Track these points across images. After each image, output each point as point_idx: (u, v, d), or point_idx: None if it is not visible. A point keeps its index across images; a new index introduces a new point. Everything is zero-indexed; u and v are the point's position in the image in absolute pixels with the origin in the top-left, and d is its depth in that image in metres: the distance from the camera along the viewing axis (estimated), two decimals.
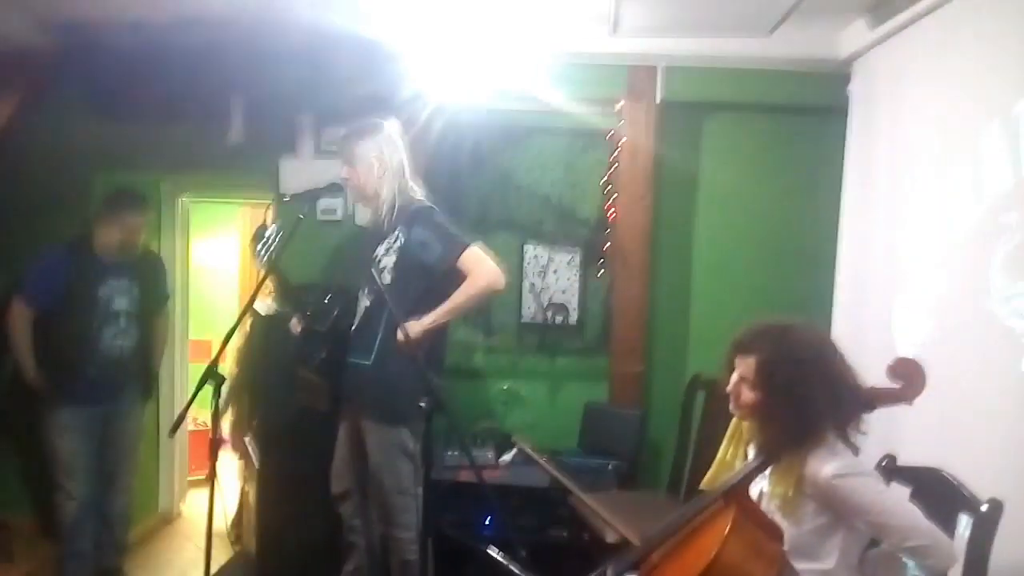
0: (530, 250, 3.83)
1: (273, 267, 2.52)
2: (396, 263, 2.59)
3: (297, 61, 3.62)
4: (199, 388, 2.49)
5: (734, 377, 1.81)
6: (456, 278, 2.64)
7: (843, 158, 3.45)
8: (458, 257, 2.57)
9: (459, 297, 2.56)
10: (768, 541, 1.70)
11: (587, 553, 3.17)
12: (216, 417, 2.62)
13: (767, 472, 1.80)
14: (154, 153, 3.79)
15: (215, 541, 3.10)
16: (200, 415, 5.15)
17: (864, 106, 3.33)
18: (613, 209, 3.78)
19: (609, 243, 3.79)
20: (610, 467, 3.52)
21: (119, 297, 3.28)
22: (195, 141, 3.73)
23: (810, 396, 1.70)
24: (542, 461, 2.09)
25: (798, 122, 3.70)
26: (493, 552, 2.06)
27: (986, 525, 1.77)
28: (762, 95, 3.67)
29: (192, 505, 4.71)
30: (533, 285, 3.85)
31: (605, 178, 3.78)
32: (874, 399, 1.75)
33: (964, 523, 1.82)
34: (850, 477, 1.68)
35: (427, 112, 3.49)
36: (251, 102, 3.68)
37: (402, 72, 3.51)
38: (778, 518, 1.75)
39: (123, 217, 3.27)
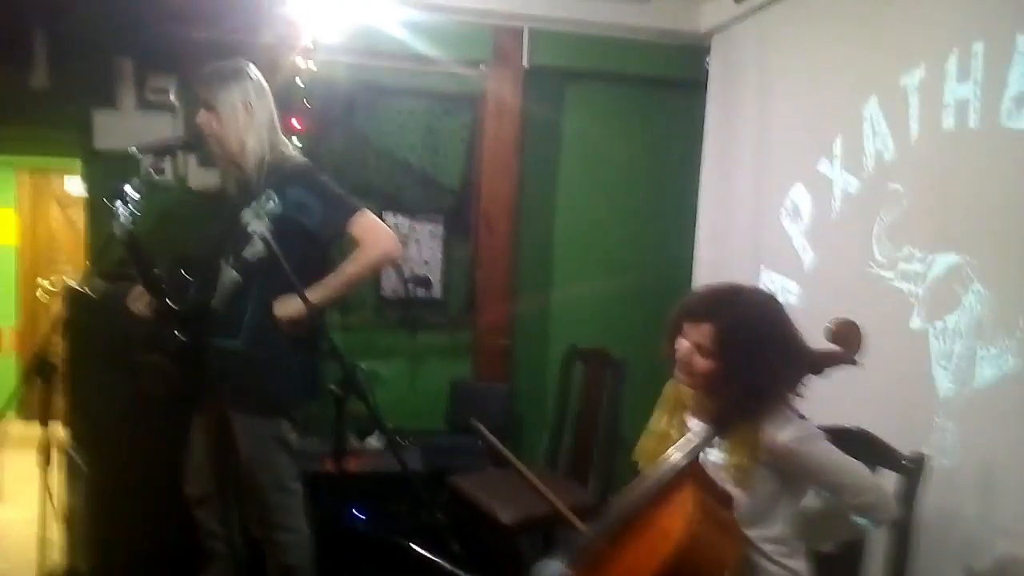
0: (390, 219, 3.55)
1: (133, 237, 2.08)
2: (271, 230, 2.24)
3: None
4: (26, 381, 2.04)
5: (684, 345, 1.72)
6: (330, 246, 2.36)
7: (701, 130, 3.52)
8: (345, 223, 2.28)
9: (353, 267, 2.28)
10: (726, 512, 1.65)
11: (472, 535, 3.03)
12: (45, 415, 2.16)
13: (715, 441, 1.74)
14: None
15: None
16: None
17: (724, 79, 3.41)
18: (476, 177, 3.61)
19: (473, 212, 3.62)
20: (481, 444, 3.38)
21: None
22: None
23: (768, 363, 1.65)
24: (498, 444, 1.90)
25: (660, 93, 3.74)
26: (416, 548, 1.85)
27: (912, 478, 1.83)
28: (625, 65, 3.65)
29: None
30: None
31: (468, 144, 3.60)
32: (822, 362, 1.74)
33: (888, 479, 1.87)
34: (806, 440, 1.67)
35: (282, 64, 3.12)
36: (57, 39, 3.08)
37: (246, 14, 3.10)
38: (730, 487, 1.70)
39: None
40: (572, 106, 3.73)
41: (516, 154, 3.58)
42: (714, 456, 1.74)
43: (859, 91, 2.49)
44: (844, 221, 2.59)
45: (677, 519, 1.57)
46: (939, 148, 2.18)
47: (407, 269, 3.60)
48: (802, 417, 1.71)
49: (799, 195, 2.83)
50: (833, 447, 1.70)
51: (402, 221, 3.58)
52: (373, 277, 2.56)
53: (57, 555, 3.18)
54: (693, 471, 1.67)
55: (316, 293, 2.21)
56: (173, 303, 2.28)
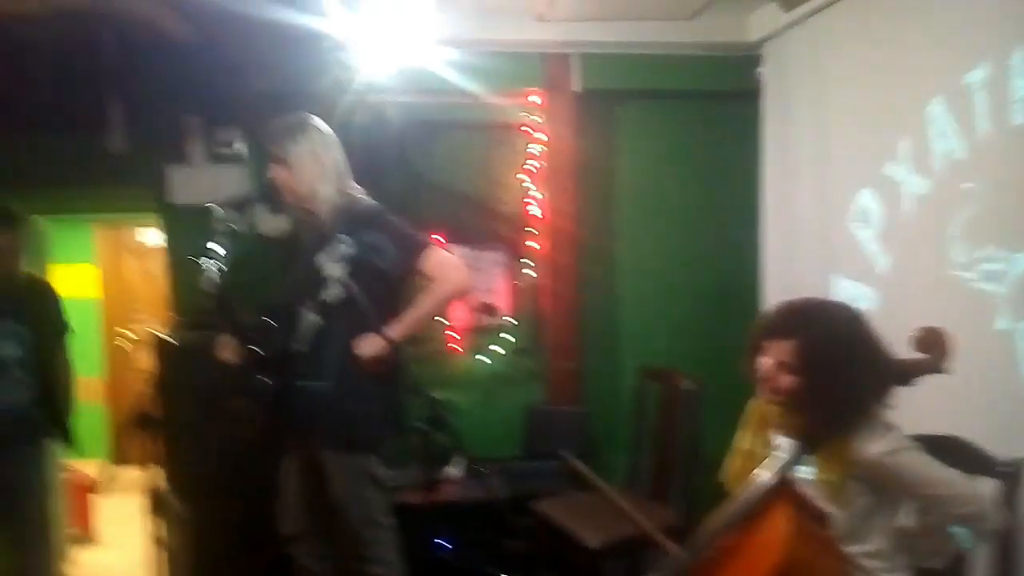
0: (454, 250, 3.62)
1: (219, 287, 2.18)
2: (345, 272, 2.32)
3: (181, 57, 3.25)
4: (129, 433, 2.14)
5: (767, 362, 1.72)
6: (408, 283, 2.43)
7: (758, 141, 3.51)
8: (418, 261, 2.35)
9: (427, 302, 2.34)
10: (823, 531, 1.63)
11: (558, 561, 3.05)
12: (148, 464, 2.27)
13: (805, 458, 1.73)
14: (12, 168, 3.28)
15: None
16: (73, 461, 4.58)
17: (778, 88, 3.39)
18: (533, 203, 3.66)
19: (534, 238, 3.66)
20: (558, 469, 3.40)
21: (3, 342, 2.77)
22: (64, 151, 3.26)
23: (855, 376, 1.64)
24: (585, 470, 1.91)
25: (712, 107, 3.74)
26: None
27: (1011, 483, 1.78)
28: (675, 81, 3.66)
29: (80, 566, 4.15)
30: None
31: (523, 172, 3.66)
32: (909, 372, 1.72)
33: (985, 486, 1.83)
34: (899, 453, 1.64)
35: (337, 109, 3.22)
36: (131, 104, 3.24)
37: (306, 65, 3.22)
38: (824, 504, 1.68)
39: None
40: (626, 126, 3.76)
41: (572, 178, 3.62)
42: (804, 473, 1.73)
43: (922, 91, 2.46)
44: (916, 223, 2.55)
45: (773, 539, 1.57)
46: (1011, 144, 2.14)
47: (473, 298, 3.65)
48: (892, 428, 1.69)
49: (867, 199, 2.79)
50: (927, 457, 1.67)
51: (465, 251, 3.65)
52: (445, 312, 2.61)
53: None
54: (785, 489, 1.66)
55: (394, 330, 2.28)
56: (259, 349, 2.36)
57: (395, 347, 2.26)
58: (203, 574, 2.92)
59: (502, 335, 3.71)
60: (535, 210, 3.65)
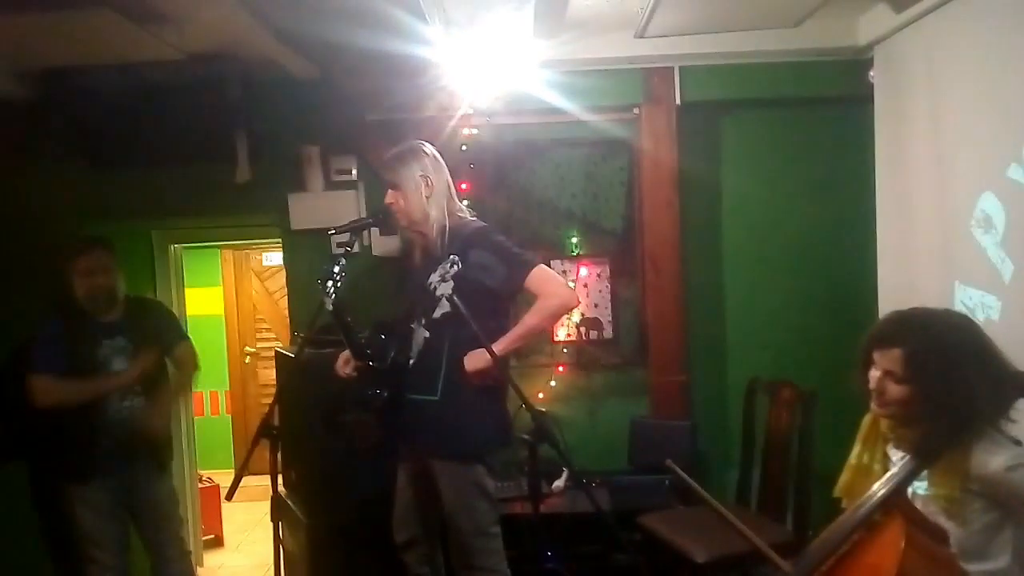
0: (557, 266, 3.69)
1: (340, 306, 2.33)
2: (455, 290, 2.42)
3: (298, 91, 3.47)
4: (255, 443, 2.30)
5: (876, 373, 1.69)
6: (512, 301, 2.50)
7: (868, 146, 3.40)
8: (524, 278, 2.42)
9: (532, 319, 2.41)
10: (940, 548, 1.58)
11: (665, 574, 3.03)
12: (274, 474, 2.42)
13: (921, 473, 1.68)
14: (148, 200, 3.60)
15: None
16: (206, 472, 4.90)
17: (891, 91, 3.28)
18: (638, 218, 3.67)
19: (638, 251, 3.68)
20: (666, 483, 3.40)
21: (117, 357, 3.03)
22: (195, 183, 3.54)
23: (966, 384, 1.59)
24: (693, 484, 1.91)
25: (819, 113, 3.65)
26: None
27: None
28: (781, 89, 3.61)
29: (210, 569, 4.44)
30: None
31: (627, 186, 3.68)
32: None
33: None
34: (1021, 468, 1.57)
35: (444, 134, 3.36)
36: (254, 137, 3.48)
37: (414, 93, 3.38)
38: (941, 520, 1.63)
39: (82, 265, 3.01)
40: (730, 136, 3.72)
41: (675, 191, 3.61)
42: (922, 489, 1.68)
43: None
44: None
45: (887, 556, 1.53)
46: None
47: (578, 313, 3.70)
48: (1018, 443, 1.62)
49: (990, 204, 2.66)
50: None
51: (569, 266, 3.70)
52: (550, 329, 2.65)
53: None
54: (899, 504, 1.62)
55: (500, 345, 2.35)
56: (374, 364, 2.49)
57: (500, 362, 2.32)
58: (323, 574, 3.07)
59: (607, 349, 3.73)
60: (639, 223, 3.66)
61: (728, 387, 3.67)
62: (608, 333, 3.73)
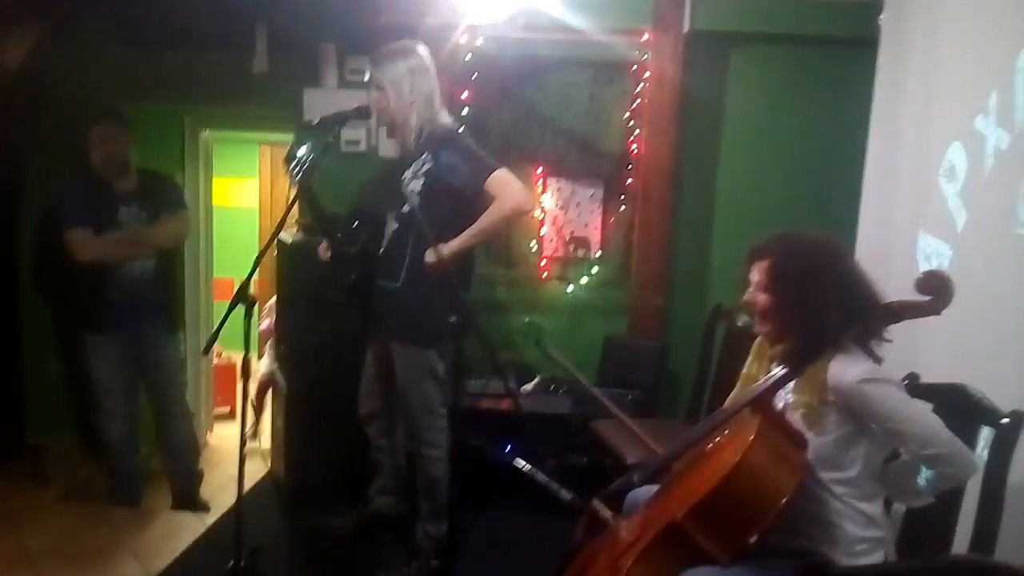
0: (552, 183, 3.83)
1: (305, 188, 2.53)
2: (423, 186, 2.61)
3: None
4: (232, 308, 2.54)
5: (750, 286, 1.84)
6: (482, 203, 2.67)
7: (871, 89, 3.41)
8: (485, 180, 2.58)
9: (487, 220, 2.58)
10: (793, 448, 1.74)
11: (608, 477, 3.25)
12: (248, 338, 2.68)
13: (790, 384, 1.83)
14: (177, 83, 3.82)
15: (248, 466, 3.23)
16: (223, 349, 5.26)
17: (895, 36, 3.26)
18: (636, 142, 3.77)
19: (631, 177, 3.78)
20: (629, 397, 3.58)
21: (132, 223, 3.33)
22: (218, 70, 3.76)
23: (820, 294, 1.72)
24: (568, 364, 2.11)
25: (827, 54, 3.66)
26: (519, 463, 2.12)
27: (1007, 436, 1.79)
28: (791, 26, 3.61)
29: (220, 437, 4.83)
30: (555, 218, 3.87)
31: (629, 111, 3.76)
32: (900, 310, 1.77)
33: (986, 437, 1.85)
34: (874, 382, 1.71)
35: (452, 41, 3.48)
36: (274, 30, 3.66)
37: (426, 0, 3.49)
38: (802, 428, 1.79)
39: (96, 134, 3.29)
40: (736, 70, 3.75)
41: (675, 120, 3.69)
42: (786, 396, 1.83)
43: (1012, 42, 2.35)
44: (994, 180, 2.46)
45: (736, 448, 1.70)
46: None
47: (567, 230, 3.85)
48: (874, 359, 1.75)
49: (956, 154, 2.70)
50: (904, 394, 1.72)
51: (564, 185, 3.84)
52: (505, 230, 2.75)
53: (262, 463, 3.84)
54: (760, 404, 1.78)
55: (456, 242, 2.54)
56: (348, 250, 2.71)
57: (454, 257, 2.52)
58: (302, 444, 3.38)
59: (593, 267, 3.89)
60: (637, 148, 3.76)
61: (705, 314, 3.80)
62: (595, 252, 3.88)
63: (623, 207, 3.84)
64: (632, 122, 3.77)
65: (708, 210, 3.83)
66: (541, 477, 2.06)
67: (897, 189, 3.16)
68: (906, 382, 2.14)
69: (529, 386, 3.65)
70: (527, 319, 3.91)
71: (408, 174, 2.67)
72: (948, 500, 1.90)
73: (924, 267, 2.83)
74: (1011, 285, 2.31)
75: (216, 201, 4.84)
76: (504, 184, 2.58)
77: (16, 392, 3.98)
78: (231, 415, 5.27)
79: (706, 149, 3.80)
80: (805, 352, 1.75)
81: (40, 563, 2.93)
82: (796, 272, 1.75)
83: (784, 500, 1.65)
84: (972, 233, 2.59)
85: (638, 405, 3.55)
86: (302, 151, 2.49)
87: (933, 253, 2.80)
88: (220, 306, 4.61)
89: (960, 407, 1.96)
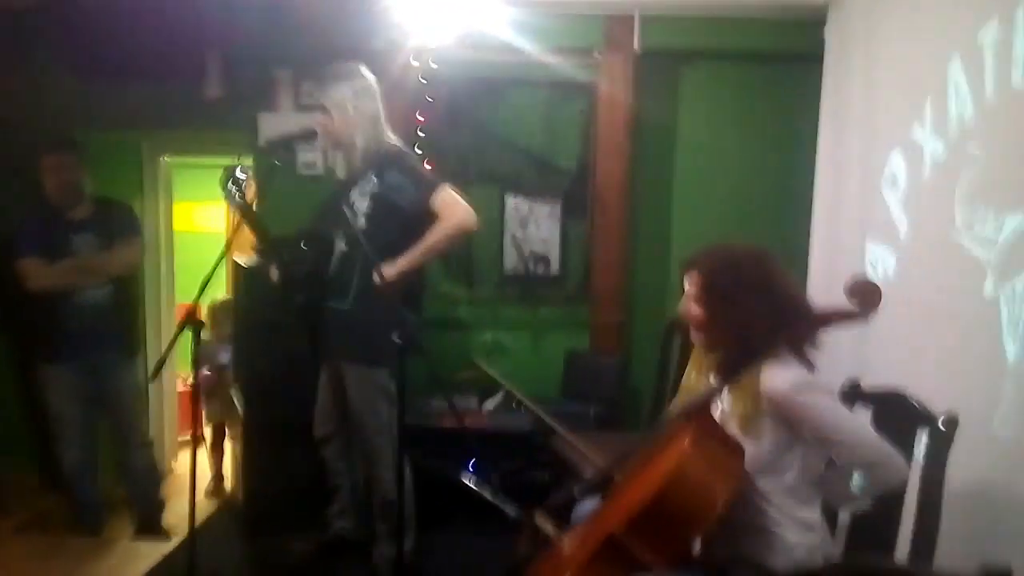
0: (511, 201, 3.86)
1: (246, 210, 2.53)
2: (370, 207, 2.62)
3: (272, 12, 3.62)
4: (179, 332, 2.54)
5: (684, 298, 1.86)
6: (430, 222, 2.68)
7: (819, 103, 3.47)
8: (429, 198, 2.60)
9: (431, 238, 2.59)
10: (728, 456, 1.75)
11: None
12: (196, 363, 2.67)
13: (726, 392, 1.85)
14: (133, 111, 3.82)
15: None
16: (188, 375, 5.21)
17: (838, 49, 3.33)
18: (591, 160, 3.80)
19: (589, 193, 3.82)
20: (591, 412, 3.59)
21: (86, 250, 3.30)
22: (172, 97, 3.75)
23: (748, 302, 1.74)
24: (503, 380, 2.12)
25: (776, 70, 3.72)
26: (466, 480, 2.11)
27: (942, 439, 1.81)
28: (739, 42, 3.68)
29: (184, 464, 4.76)
30: (515, 236, 3.89)
31: (583, 130, 3.80)
32: (828, 317, 1.79)
33: (924, 441, 1.87)
34: (804, 392, 1.72)
35: (403, 63, 3.51)
36: (227, 56, 3.68)
37: (378, 22, 3.51)
38: (739, 436, 1.80)
39: (48, 162, 3.28)
40: (686, 87, 3.81)
41: (628, 137, 3.73)
42: (722, 405, 1.85)
43: (944, 51, 2.41)
44: (932, 187, 2.51)
45: (672, 455, 1.71)
46: (1010, 107, 2.09)
47: (527, 248, 3.87)
48: (806, 368, 1.77)
49: (896, 163, 2.76)
50: (834, 403, 1.74)
51: (522, 203, 3.86)
52: (450, 248, 2.74)
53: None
54: (696, 414, 1.79)
55: (403, 261, 2.54)
56: (296, 272, 2.71)
57: (402, 277, 2.52)
58: (260, 468, 3.35)
59: (553, 284, 3.90)
60: (592, 166, 3.79)
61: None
62: (555, 269, 3.90)
63: (581, 224, 3.87)
64: (586, 140, 3.81)
65: (664, 225, 3.87)
66: (487, 492, 2.05)
67: (845, 199, 3.21)
68: (846, 388, 2.17)
69: (491, 404, 3.64)
70: (487, 336, 3.92)
71: (354, 194, 2.68)
72: (889, 505, 1.92)
73: (872, 275, 2.87)
74: (950, 291, 2.35)
75: (181, 226, 4.83)
76: (448, 203, 2.59)
77: None
78: (199, 440, 5.20)
79: (660, 165, 3.84)
80: (736, 361, 1.76)
81: None
82: (723, 284, 1.77)
83: (720, 508, 1.66)
84: (913, 240, 2.64)
85: (601, 419, 3.56)
86: (238, 172, 2.49)
87: (879, 260, 2.84)
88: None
89: (898, 412, 1.98)
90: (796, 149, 3.62)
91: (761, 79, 3.76)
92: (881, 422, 2.01)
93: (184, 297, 4.88)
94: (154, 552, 3.24)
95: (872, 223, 2.95)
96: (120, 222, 3.45)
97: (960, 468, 1.89)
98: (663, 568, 1.65)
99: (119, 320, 3.45)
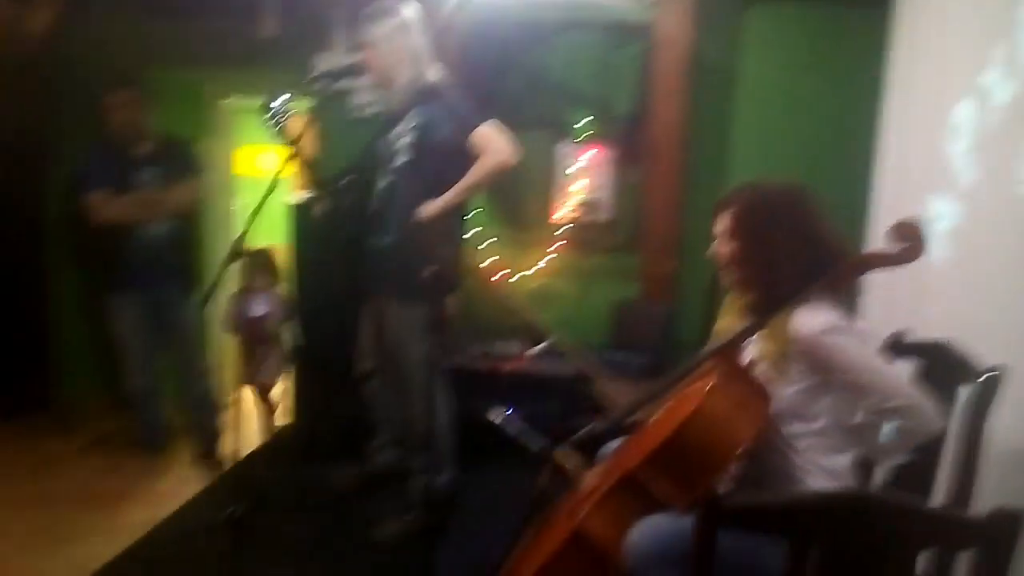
0: (562, 148, 3.80)
1: (288, 140, 2.56)
2: (411, 143, 2.62)
3: None
4: (225, 265, 2.61)
5: (717, 234, 1.81)
6: (473, 160, 2.66)
7: (886, 49, 3.29)
8: (470, 134, 2.58)
9: (472, 175, 2.58)
10: (750, 398, 1.71)
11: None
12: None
13: (757, 336, 1.80)
14: (194, 49, 3.89)
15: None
16: None
17: None
18: (647, 105, 3.71)
19: (643, 140, 3.73)
20: (637, 362, 3.56)
21: (149, 186, 3.42)
22: (230, 37, 3.80)
23: (779, 242, 1.69)
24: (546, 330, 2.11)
25: (844, 12, 3.52)
26: (493, 416, 2.13)
27: (983, 393, 1.74)
28: None
29: (243, 397, 4.93)
30: (565, 182, 3.84)
31: (640, 73, 3.70)
32: (867, 260, 1.72)
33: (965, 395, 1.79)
34: (834, 336, 1.66)
35: (454, 4, 3.46)
36: None
37: None
38: (767, 380, 1.76)
39: (112, 100, 3.38)
40: (749, 29, 3.64)
41: (685, 81, 3.62)
42: (752, 348, 1.80)
43: None
44: (1000, 136, 2.36)
45: (693, 395, 1.69)
46: None
47: (578, 195, 3.82)
48: (840, 311, 1.70)
49: (964, 110, 2.60)
50: (865, 348, 1.67)
51: (573, 149, 3.80)
52: (491, 185, 2.70)
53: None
54: (722, 356, 1.75)
55: (442, 199, 2.54)
56: (337, 207, 2.74)
57: (444, 214, 2.52)
58: (310, 401, 3.45)
59: (605, 232, 3.86)
60: (647, 112, 3.70)
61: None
62: (607, 217, 3.85)
63: (634, 170, 3.79)
64: (643, 84, 3.71)
65: (720, 173, 3.75)
66: (512, 428, 2.07)
67: (910, 147, 3.06)
68: (891, 340, 2.09)
69: (536, 349, 3.65)
70: (535, 284, 3.91)
71: (397, 131, 2.68)
72: (925, 459, 1.86)
73: (933, 227, 2.74)
74: (1013, 244, 2.23)
75: (243, 170, 4.93)
76: (489, 139, 2.57)
77: (43, 348, 4.14)
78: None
79: (718, 111, 3.71)
80: (766, 303, 1.71)
81: (57, 506, 3.08)
82: (754, 223, 1.72)
83: (739, 449, 1.64)
84: (978, 191, 2.50)
85: (647, 369, 3.53)
86: (277, 103, 2.52)
87: (942, 211, 2.70)
88: None
89: (942, 364, 1.91)
90: (862, 96, 3.44)
91: (828, 22, 3.57)
92: (925, 375, 1.94)
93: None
94: (208, 476, 3.40)
95: (936, 172, 2.80)
96: (182, 161, 3.54)
97: (1005, 428, 1.81)
98: (680, 506, 1.64)
99: (179, 256, 3.57)
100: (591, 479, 1.86)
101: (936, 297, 2.57)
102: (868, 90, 3.40)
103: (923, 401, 1.63)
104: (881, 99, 3.32)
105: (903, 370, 1.97)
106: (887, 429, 1.65)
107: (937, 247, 2.53)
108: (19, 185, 4.00)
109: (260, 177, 6.35)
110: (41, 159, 4.05)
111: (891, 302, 2.73)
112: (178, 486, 3.27)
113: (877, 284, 2.79)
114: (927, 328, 2.24)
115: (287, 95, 2.57)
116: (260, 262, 3.60)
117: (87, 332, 4.09)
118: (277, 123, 2.51)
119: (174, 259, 3.53)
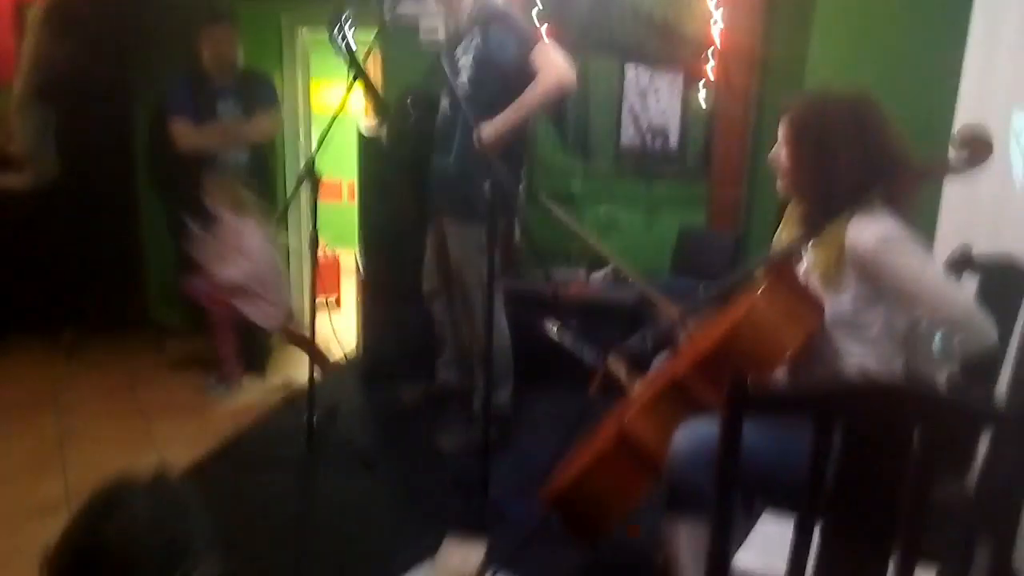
0: (630, 72, 3.75)
1: (353, 60, 2.61)
2: (472, 65, 2.64)
3: None
4: (299, 185, 2.72)
5: (776, 145, 1.79)
6: (522, 75, 2.65)
7: None
8: (528, 55, 2.58)
9: (529, 96, 2.59)
10: (799, 306, 1.71)
11: None
12: (314, 212, 2.84)
13: (811, 245, 1.78)
14: None
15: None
16: (326, 245, 5.51)
17: None
18: (719, 29, 3.60)
19: (713, 65, 3.64)
20: (700, 289, 3.54)
21: (229, 116, 3.56)
22: None
23: (836, 150, 1.64)
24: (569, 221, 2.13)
25: None
26: (549, 326, 2.19)
27: None
28: None
29: (320, 325, 5.13)
30: (633, 108, 3.80)
31: None
32: (928, 169, 1.67)
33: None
34: (890, 243, 1.63)
35: None
36: None
37: None
38: (820, 290, 1.74)
39: (207, 32, 3.49)
40: None
41: (761, 3, 3.49)
42: (807, 258, 1.79)
43: None
44: None
45: (743, 304, 1.70)
46: None
47: (645, 120, 3.78)
48: (897, 221, 1.66)
49: None
50: (922, 258, 1.63)
51: (642, 73, 3.75)
52: (548, 106, 2.69)
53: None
54: (775, 266, 1.75)
55: (500, 118, 2.56)
56: (400, 129, 2.80)
57: (508, 132, 2.55)
58: (376, 322, 3.59)
59: (671, 158, 3.81)
60: (719, 34, 3.60)
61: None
62: (674, 143, 3.79)
63: (704, 96, 3.71)
64: (715, 6, 3.60)
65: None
66: (567, 340, 2.12)
67: (997, 66, 2.90)
68: (957, 255, 2.03)
69: (599, 275, 3.68)
70: (601, 210, 3.91)
71: (458, 52, 2.70)
72: (980, 374, 1.82)
73: (1014, 146, 2.62)
74: None
75: (318, 101, 5.02)
76: (546, 59, 2.57)
77: (138, 269, 4.41)
78: (337, 304, 5.58)
79: (794, 34, 3.57)
80: (820, 212, 1.69)
81: (147, 414, 3.32)
82: (811, 130, 1.68)
83: (785, 356, 1.65)
84: None
85: (716, 297, 3.50)
86: (344, 20, 2.56)
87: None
88: (323, 206, 4.86)
89: (1007, 281, 1.85)
90: (948, 18, 3.26)
91: None
92: (988, 291, 1.89)
93: (325, 174, 5.14)
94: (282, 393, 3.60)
95: (1022, 92, 2.66)
96: (261, 92, 3.66)
97: None
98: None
99: (257, 185, 3.71)
100: (641, 386, 1.90)
101: (1017, 216, 2.47)
102: (954, 9, 3.22)
103: (978, 314, 1.59)
104: (968, 13, 3.14)
105: (968, 286, 1.92)
106: (938, 341, 1.63)
107: (1020, 165, 2.43)
108: (111, 114, 4.21)
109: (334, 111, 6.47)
110: (128, 88, 4.23)
111: (969, 224, 2.64)
112: (254, 402, 3.47)
113: (953, 206, 2.71)
114: (1001, 245, 2.16)
115: (350, 12, 2.61)
116: None
117: (172, 258, 4.30)
118: (344, 39, 2.56)
119: (251, 188, 3.67)
